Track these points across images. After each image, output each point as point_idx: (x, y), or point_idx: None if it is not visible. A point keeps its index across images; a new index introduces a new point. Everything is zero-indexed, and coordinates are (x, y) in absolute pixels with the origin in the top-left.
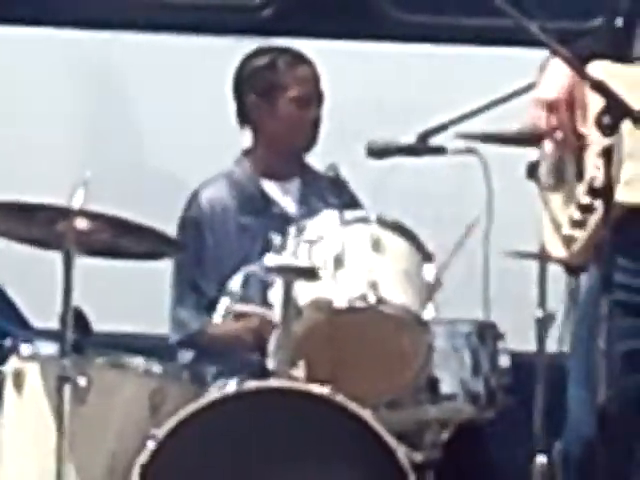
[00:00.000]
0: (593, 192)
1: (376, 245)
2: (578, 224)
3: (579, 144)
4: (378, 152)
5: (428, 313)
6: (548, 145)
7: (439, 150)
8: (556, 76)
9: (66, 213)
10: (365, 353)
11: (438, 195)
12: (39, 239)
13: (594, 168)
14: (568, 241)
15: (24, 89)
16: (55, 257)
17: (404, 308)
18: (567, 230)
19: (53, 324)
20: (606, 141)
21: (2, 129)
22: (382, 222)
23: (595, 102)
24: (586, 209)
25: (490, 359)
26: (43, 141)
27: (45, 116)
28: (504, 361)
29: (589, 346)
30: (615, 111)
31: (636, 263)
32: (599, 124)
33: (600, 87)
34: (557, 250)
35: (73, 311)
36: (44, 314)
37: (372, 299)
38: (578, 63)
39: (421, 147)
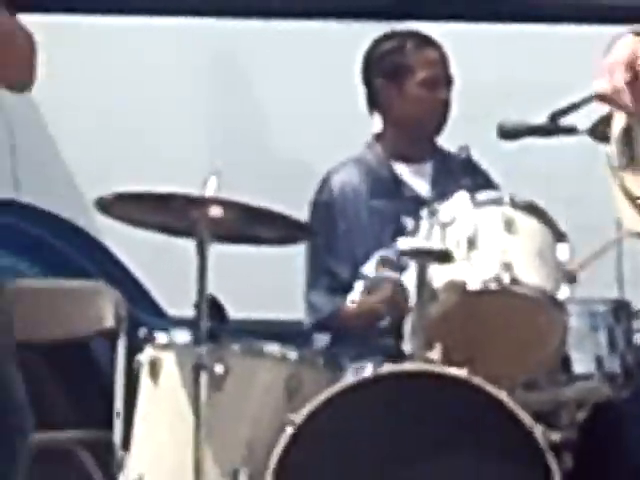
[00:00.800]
0: None
1: (509, 226)
2: None
3: None
4: (510, 133)
5: (563, 293)
6: (618, 121)
7: (571, 130)
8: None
9: (199, 201)
10: (500, 334)
11: (569, 175)
12: (173, 227)
13: None
14: None
15: (152, 80)
16: (189, 245)
17: (539, 289)
18: None
19: (188, 312)
20: None
21: (132, 121)
22: (515, 203)
23: None
24: None
25: (625, 337)
26: (173, 130)
27: (173, 106)
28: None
29: None
30: None
31: None
32: None
33: None
34: (631, 222)
35: (208, 299)
36: (179, 302)
37: (506, 280)
38: None
39: (553, 127)
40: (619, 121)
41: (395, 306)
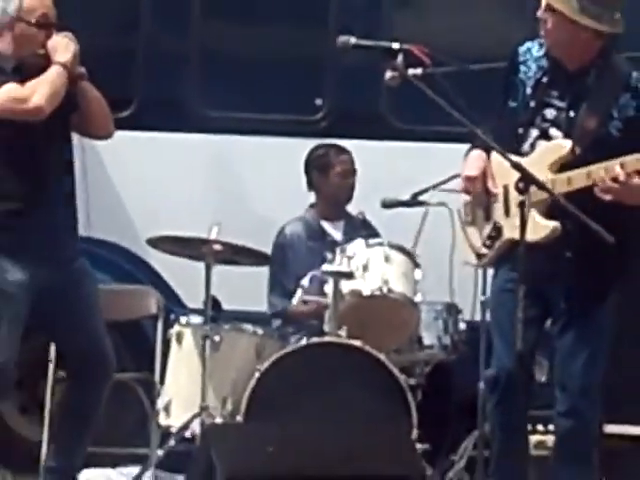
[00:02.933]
0: (496, 229)
1: (387, 259)
2: (487, 246)
3: (487, 199)
4: (388, 205)
5: (417, 298)
6: (467, 198)
7: (424, 203)
8: (474, 162)
9: (207, 242)
10: (381, 321)
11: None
12: (191, 255)
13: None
14: (480, 256)
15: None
16: (201, 265)
17: (403, 295)
18: (481, 250)
19: (199, 305)
20: (520, 197)
21: (159, 186)
22: (391, 245)
23: (513, 175)
24: (491, 237)
25: (454, 324)
26: (192, 199)
27: (192, 185)
28: (462, 326)
29: (508, 316)
30: (526, 180)
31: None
32: (517, 187)
33: (517, 166)
34: (472, 259)
35: (211, 297)
36: (194, 299)
37: (385, 290)
38: (502, 152)
39: (413, 201)
40: (466, 198)
41: (317, 312)
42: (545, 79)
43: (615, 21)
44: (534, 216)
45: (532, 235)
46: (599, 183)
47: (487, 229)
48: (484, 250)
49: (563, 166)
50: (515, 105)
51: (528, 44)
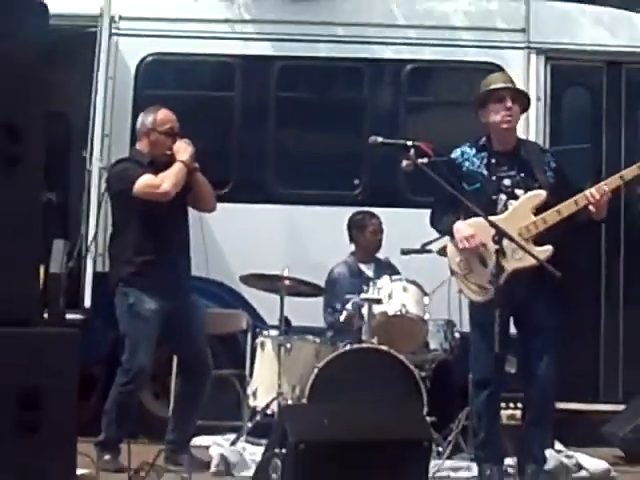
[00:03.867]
0: (499, 267)
1: (404, 289)
2: (491, 282)
3: (481, 251)
4: (405, 252)
5: (426, 316)
6: (457, 259)
7: (430, 251)
8: (465, 227)
9: (280, 278)
10: (401, 333)
11: (430, 269)
12: (270, 289)
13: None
14: (485, 290)
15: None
16: (276, 296)
17: (416, 315)
18: (486, 286)
19: (276, 322)
20: (497, 246)
21: (249, 241)
22: (407, 280)
23: (490, 231)
24: (494, 275)
25: (451, 334)
26: (267, 246)
27: (266, 237)
28: (456, 335)
29: (488, 330)
30: (500, 235)
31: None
32: (493, 240)
33: (494, 225)
34: (475, 297)
35: (284, 318)
36: (273, 319)
37: (404, 311)
38: (484, 216)
39: (422, 250)
40: (456, 259)
41: (356, 326)
42: (493, 161)
43: None
44: (532, 247)
45: (532, 260)
46: (568, 214)
47: (488, 270)
48: (488, 286)
49: (536, 209)
50: (479, 185)
51: (458, 151)
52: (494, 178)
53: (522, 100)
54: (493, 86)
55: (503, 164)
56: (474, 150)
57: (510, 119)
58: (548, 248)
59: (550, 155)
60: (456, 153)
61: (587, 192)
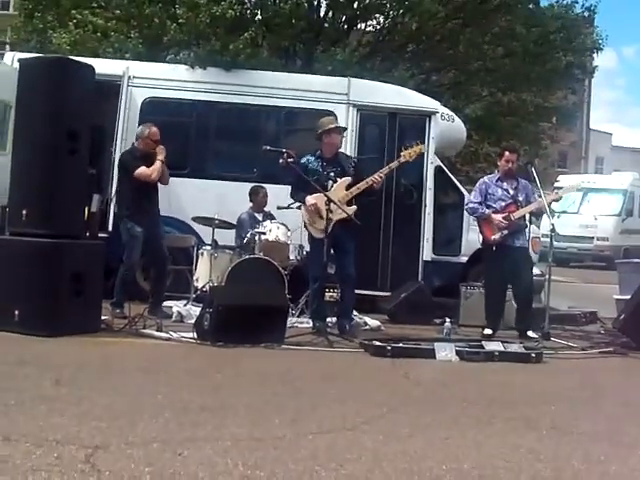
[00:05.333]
0: (328, 220)
1: (278, 227)
2: (325, 228)
3: (319, 210)
4: (279, 208)
5: (289, 242)
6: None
7: (291, 208)
8: (312, 198)
9: (213, 219)
10: (275, 251)
11: None
12: (207, 224)
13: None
14: (323, 231)
15: None
16: (210, 229)
17: (284, 241)
18: (322, 228)
19: (209, 242)
20: (327, 207)
21: None
22: (279, 222)
23: (324, 200)
24: (325, 227)
25: (301, 252)
26: None
27: None
28: (304, 253)
29: (321, 250)
30: (329, 201)
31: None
32: (325, 204)
33: (326, 196)
34: (318, 234)
35: (214, 240)
36: (208, 239)
37: (277, 239)
38: (321, 190)
39: (287, 207)
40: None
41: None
42: (324, 163)
43: None
44: (345, 207)
45: (345, 214)
46: (364, 189)
47: (323, 221)
48: (323, 228)
49: (347, 187)
50: (317, 177)
51: (304, 159)
52: (325, 172)
53: (342, 131)
54: (329, 126)
55: (329, 164)
56: (314, 157)
57: (335, 142)
58: (354, 207)
59: (352, 159)
60: (304, 159)
61: (372, 177)
